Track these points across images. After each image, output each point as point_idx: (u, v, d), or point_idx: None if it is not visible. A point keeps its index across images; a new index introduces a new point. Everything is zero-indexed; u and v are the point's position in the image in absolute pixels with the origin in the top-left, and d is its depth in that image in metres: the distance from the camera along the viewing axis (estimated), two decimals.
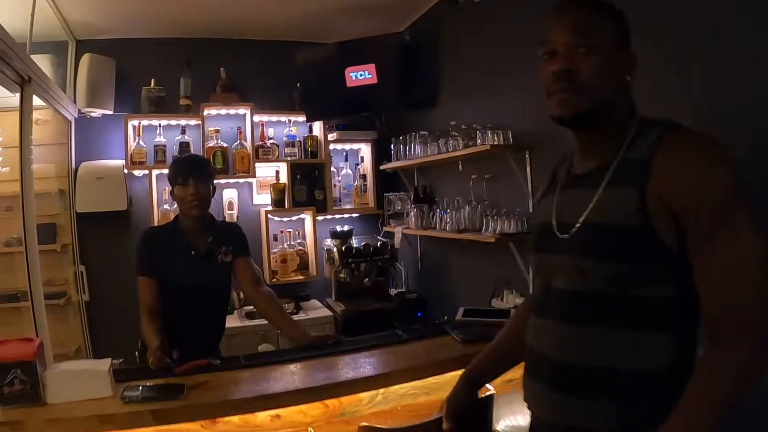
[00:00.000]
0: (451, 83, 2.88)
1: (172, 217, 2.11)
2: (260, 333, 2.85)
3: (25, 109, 2.15)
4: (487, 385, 1.24)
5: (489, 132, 2.29)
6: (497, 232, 2.26)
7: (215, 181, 1.93)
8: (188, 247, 1.85)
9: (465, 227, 2.51)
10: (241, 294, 2.57)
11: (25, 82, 2.12)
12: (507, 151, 2.23)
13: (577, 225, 0.92)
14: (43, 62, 2.88)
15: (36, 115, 3.01)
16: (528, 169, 2.23)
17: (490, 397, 1.28)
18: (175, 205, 2.11)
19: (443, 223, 2.69)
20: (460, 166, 2.64)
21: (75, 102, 2.97)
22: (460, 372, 1.23)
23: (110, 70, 3.02)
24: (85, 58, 2.91)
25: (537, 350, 0.99)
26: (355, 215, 3.45)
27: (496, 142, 2.23)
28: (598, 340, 0.89)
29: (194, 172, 1.82)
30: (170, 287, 1.83)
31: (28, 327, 2.14)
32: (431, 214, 2.86)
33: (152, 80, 3.07)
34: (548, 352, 0.95)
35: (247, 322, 2.92)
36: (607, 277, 0.87)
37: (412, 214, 2.98)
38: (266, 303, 1.91)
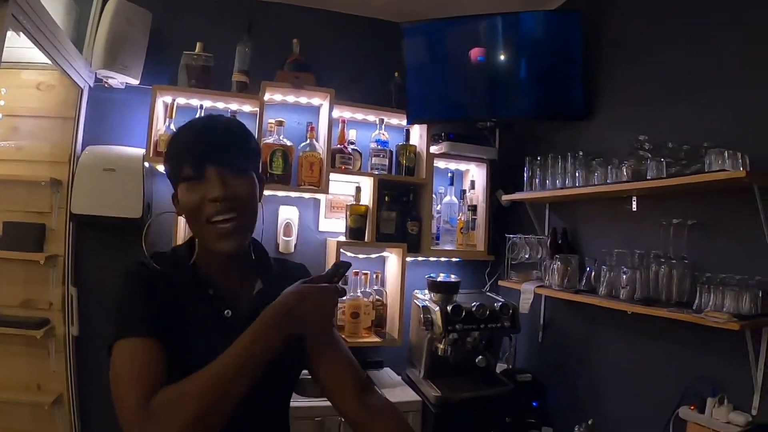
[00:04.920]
0: (621, 84, 2.02)
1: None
2: (315, 419, 1.93)
3: None
4: None
5: (713, 155, 1.50)
6: (726, 310, 1.42)
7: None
8: (215, 302, 0.95)
9: (647, 295, 1.67)
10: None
11: None
12: (754, 184, 1.38)
13: None
14: (54, 6, 2.13)
15: (39, 77, 2.33)
16: None
17: None
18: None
19: (603, 286, 1.84)
20: (634, 205, 1.83)
21: (92, 65, 2.18)
22: None
23: (143, 25, 2.23)
24: (111, 4, 2.14)
25: None
26: (454, 260, 2.50)
27: (724, 169, 1.43)
28: None
29: (220, 150, 0.90)
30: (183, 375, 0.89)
31: None
32: (583, 270, 2.00)
33: (198, 44, 2.23)
34: None
35: (300, 401, 1.91)
36: None
37: (554, 267, 2.05)
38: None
